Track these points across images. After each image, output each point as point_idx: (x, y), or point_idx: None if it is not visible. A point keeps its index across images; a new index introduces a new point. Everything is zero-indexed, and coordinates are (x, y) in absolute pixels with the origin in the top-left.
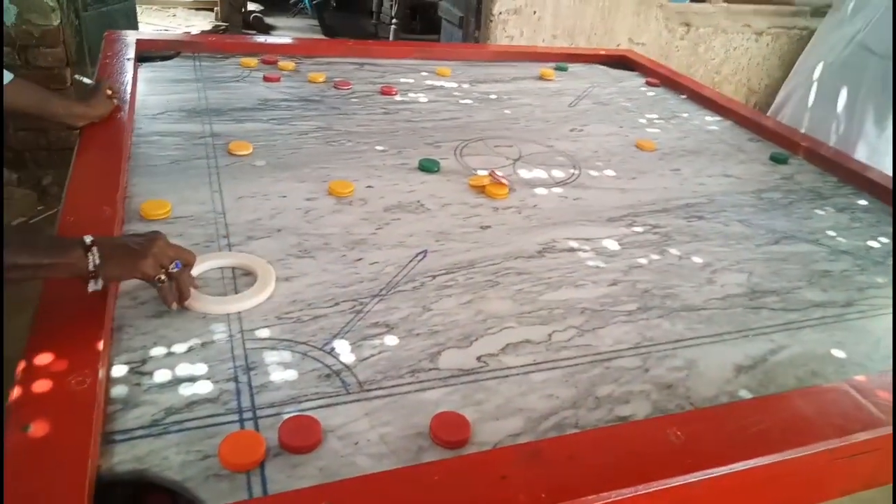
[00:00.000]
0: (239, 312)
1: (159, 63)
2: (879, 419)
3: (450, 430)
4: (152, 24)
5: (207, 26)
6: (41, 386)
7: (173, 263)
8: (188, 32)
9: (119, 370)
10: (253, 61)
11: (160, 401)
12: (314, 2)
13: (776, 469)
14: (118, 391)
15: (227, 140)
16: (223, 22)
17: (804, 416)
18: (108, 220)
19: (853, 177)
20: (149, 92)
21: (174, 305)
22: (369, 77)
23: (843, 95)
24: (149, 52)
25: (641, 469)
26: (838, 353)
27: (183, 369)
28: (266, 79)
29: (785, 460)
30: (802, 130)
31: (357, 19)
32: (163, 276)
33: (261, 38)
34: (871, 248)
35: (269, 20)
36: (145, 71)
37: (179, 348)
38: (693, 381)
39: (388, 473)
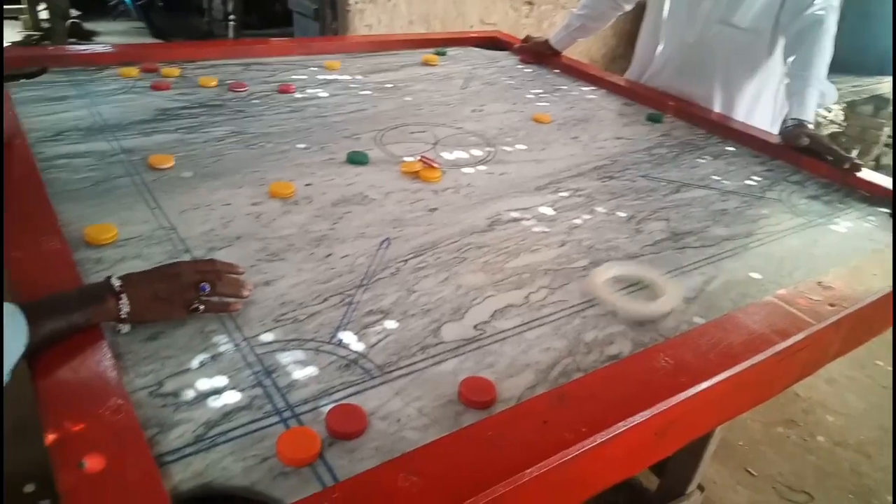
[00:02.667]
0: (235, 321)
1: (26, 81)
2: (807, 321)
3: (480, 392)
4: None
5: (17, 37)
6: (74, 423)
7: (199, 289)
8: (15, 47)
9: (138, 396)
10: (133, 70)
11: (195, 417)
12: (138, 2)
13: (743, 376)
14: (148, 415)
15: (142, 155)
16: (35, 31)
17: (753, 329)
18: (58, 251)
19: (716, 127)
20: (32, 113)
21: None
22: (261, 77)
23: (715, 67)
24: (11, 70)
25: (650, 393)
26: (755, 276)
27: (204, 384)
28: (155, 87)
29: (748, 367)
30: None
31: (187, 18)
32: (199, 308)
33: (125, 46)
34: (750, 185)
35: (88, 26)
36: (16, 91)
37: (190, 365)
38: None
39: (448, 438)
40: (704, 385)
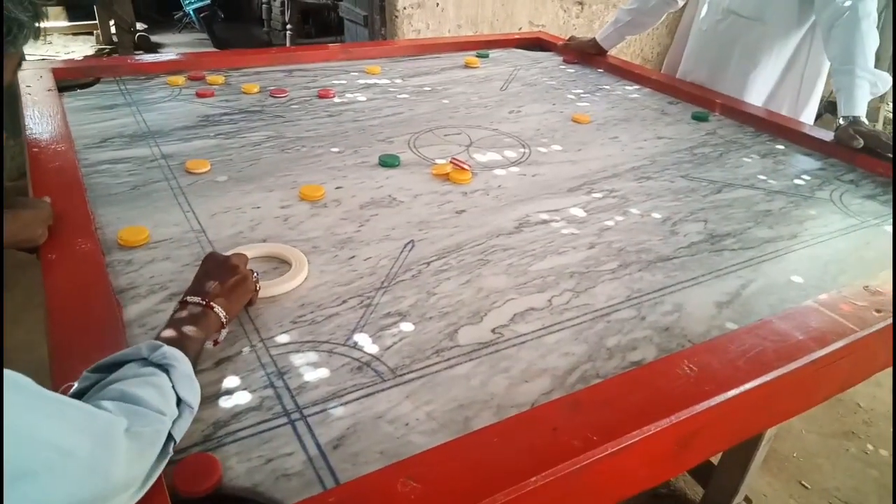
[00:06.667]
0: (254, 322)
1: (80, 91)
2: (850, 328)
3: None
4: (28, 54)
5: (90, 51)
6: None
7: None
8: (72, 59)
9: None
10: (180, 79)
11: (205, 417)
12: (201, 15)
13: (776, 385)
14: None
15: (181, 160)
16: (107, 45)
17: (789, 336)
18: (89, 252)
19: (766, 125)
20: (81, 122)
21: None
22: (302, 82)
23: (724, 57)
24: (67, 81)
25: (670, 401)
26: (797, 279)
27: (216, 385)
28: (199, 95)
29: (782, 375)
30: None
31: (247, 29)
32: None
33: (174, 56)
34: (799, 185)
35: (154, 38)
36: (69, 100)
37: (205, 365)
38: (684, 321)
39: (452, 443)
40: (731, 394)
